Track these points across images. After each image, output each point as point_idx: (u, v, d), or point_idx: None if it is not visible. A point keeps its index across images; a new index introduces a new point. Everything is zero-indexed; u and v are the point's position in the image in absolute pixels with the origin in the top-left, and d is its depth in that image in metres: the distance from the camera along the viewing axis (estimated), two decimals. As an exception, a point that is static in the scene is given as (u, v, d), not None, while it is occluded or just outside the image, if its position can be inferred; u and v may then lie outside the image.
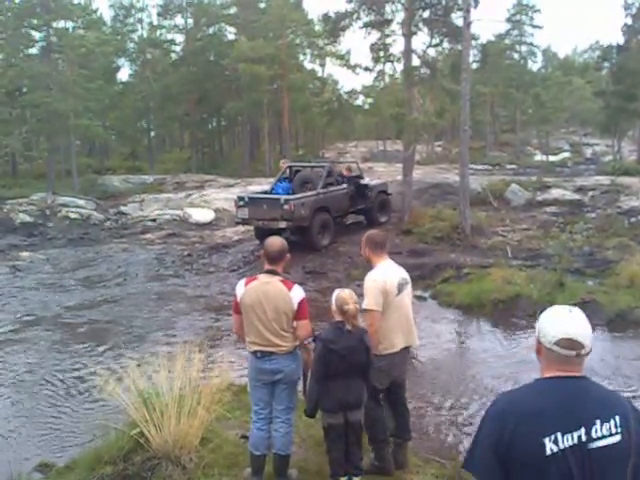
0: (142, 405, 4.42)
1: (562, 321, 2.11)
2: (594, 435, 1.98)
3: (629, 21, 37.66)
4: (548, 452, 1.96)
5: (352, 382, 4.03)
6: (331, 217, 14.33)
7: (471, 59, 18.78)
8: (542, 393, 2.08)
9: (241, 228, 16.29)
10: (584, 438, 1.97)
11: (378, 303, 4.27)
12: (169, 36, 44.89)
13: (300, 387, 4.44)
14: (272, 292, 4.07)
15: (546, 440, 1.96)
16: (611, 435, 1.98)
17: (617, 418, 2.01)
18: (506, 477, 2.02)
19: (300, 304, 4.11)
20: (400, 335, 4.45)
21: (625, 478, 1.97)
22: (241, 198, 14.30)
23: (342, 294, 4.04)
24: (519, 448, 1.98)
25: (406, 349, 4.58)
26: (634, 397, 6.54)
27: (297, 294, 4.10)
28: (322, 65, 49.18)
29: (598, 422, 1.99)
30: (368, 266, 4.59)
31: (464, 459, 2.22)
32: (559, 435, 1.97)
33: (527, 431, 1.99)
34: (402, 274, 4.54)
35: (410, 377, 7.22)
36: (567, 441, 1.97)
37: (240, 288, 4.22)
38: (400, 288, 4.41)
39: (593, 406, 2.03)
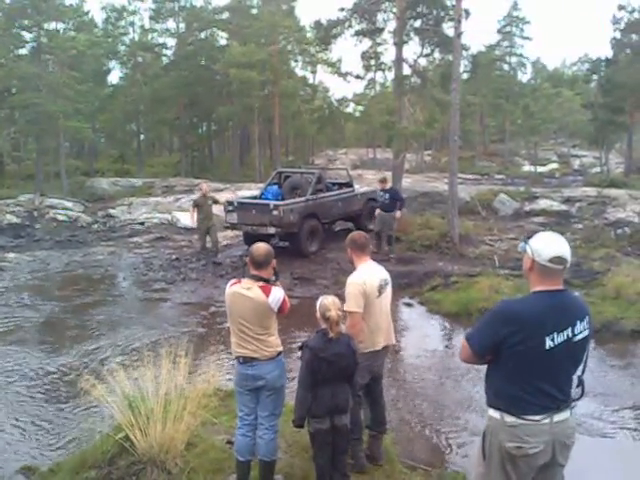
0: (127, 409, 4.40)
1: (554, 243, 2.85)
2: (576, 332, 2.83)
3: (618, 35, 38.12)
4: (547, 347, 2.76)
5: (339, 387, 4.04)
6: (320, 224, 14.34)
7: (461, 69, 18.89)
8: (539, 303, 2.81)
9: (230, 233, 16.26)
10: (570, 335, 2.81)
11: (359, 305, 4.38)
12: (160, 40, 44.84)
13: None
14: (250, 298, 4.07)
15: (546, 338, 2.75)
16: (584, 330, 2.87)
17: (586, 318, 2.89)
18: (513, 366, 2.79)
19: (280, 307, 4.12)
20: (381, 335, 4.59)
21: (586, 360, 2.93)
22: (230, 203, 14.28)
23: (325, 301, 4.05)
24: (526, 344, 2.74)
25: (385, 347, 4.70)
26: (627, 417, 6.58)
27: (275, 299, 4.08)
28: (313, 72, 49.36)
29: (578, 322, 2.84)
30: (353, 269, 4.64)
31: (468, 332, 3.03)
32: (555, 334, 2.77)
33: (532, 332, 2.74)
34: (382, 275, 4.63)
35: (395, 385, 7.25)
36: (560, 338, 2.78)
37: (227, 289, 4.24)
38: (380, 290, 4.53)
39: (574, 311, 2.87)
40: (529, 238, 2.98)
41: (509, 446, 2.84)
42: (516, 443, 2.82)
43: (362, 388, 4.56)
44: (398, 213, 13.55)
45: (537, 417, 2.81)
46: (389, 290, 4.68)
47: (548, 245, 2.86)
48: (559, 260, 2.82)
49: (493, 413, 2.92)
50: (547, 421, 2.82)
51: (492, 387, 2.97)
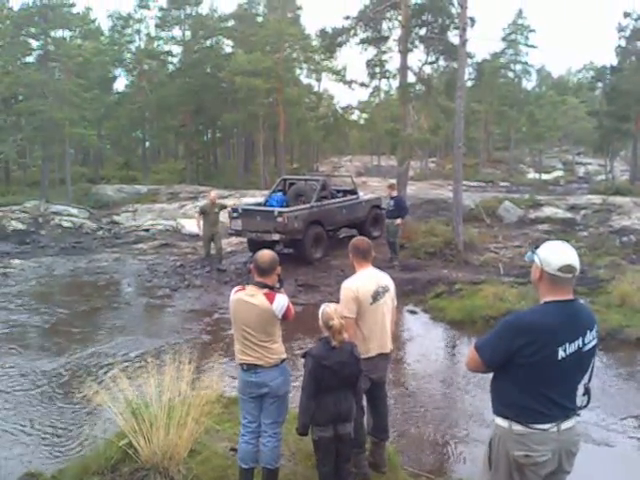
0: (131, 416, 4.39)
1: (562, 252, 2.83)
2: (586, 341, 2.83)
3: (623, 43, 38.14)
4: (559, 358, 2.76)
5: (342, 395, 4.02)
6: (324, 230, 14.34)
7: (466, 77, 18.90)
8: (552, 314, 2.80)
9: (234, 240, 16.28)
10: (581, 345, 2.81)
11: (351, 310, 4.37)
12: (166, 47, 45.02)
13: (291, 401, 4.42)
14: (254, 305, 4.06)
15: (559, 349, 2.75)
16: (593, 339, 2.87)
17: (594, 327, 2.90)
18: (524, 376, 2.78)
19: (284, 314, 4.11)
20: (374, 342, 4.53)
21: (592, 368, 2.94)
22: (235, 209, 14.29)
23: (327, 309, 4.03)
24: (539, 355, 2.73)
25: (383, 354, 4.63)
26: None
27: (279, 306, 4.07)
28: (318, 80, 49.49)
29: (588, 332, 2.85)
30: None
31: (478, 341, 2.98)
32: (567, 345, 2.77)
33: (546, 343, 2.74)
34: (382, 282, 4.59)
35: (399, 393, 7.23)
36: (571, 348, 2.78)
37: (231, 296, 4.24)
38: (376, 297, 4.48)
39: (584, 321, 2.87)
40: (536, 248, 2.94)
41: (517, 455, 2.82)
42: (524, 452, 2.81)
43: (364, 395, 4.55)
44: (398, 220, 13.56)
45: (546, 426, 2.80)
46: (389, 298, 4.62)
47: (557, 254, 2.84)
48: (568, 268, 2.80)
49: (501, 422, 2.90)
50: (555, 430, 2.81)
51: (500, 396, 2.95)
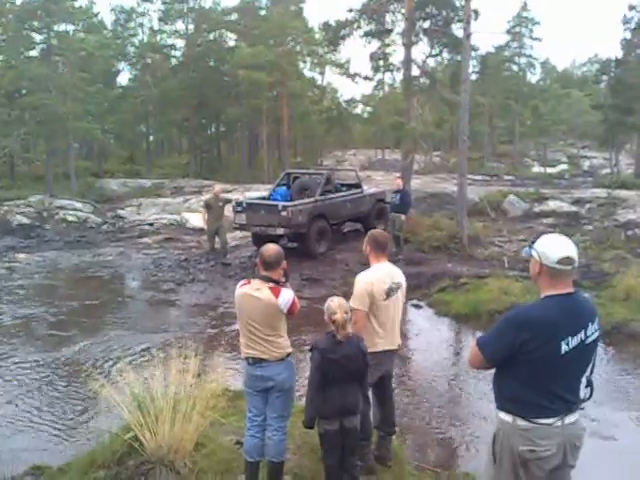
0: (137, 409, 4.39)
1: (559, 244, 2.82)
2: (588, 334, 2.81)
3: (628, 35, 37.96)
4: (562, 352, 2.73)
5: (349, 388, 4.01)
6: (328, 224, 14.33)
7: (470, 70, 18.83)
8: (553, 308, 2.77)
9: (238, 234, 16.27)
10: (583, 337, 2.79)
11: (363, 303, 4.35)
12: (169, 41, 45.03)
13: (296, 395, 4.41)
14: (259, 299, 4.05)
15: (562, 343, 2.73)
16: (595, 332, 2.85)
17: (596, 320, 2.87)
18: (527, 370, 2.76)
19: (289, 309, 4.10)
20: (383, 337, 4.51)
21: (594, 360, 2.92)
22: (239, 203, 14.29)
23: (331, 304, 4.01)
24: (542, 350, 2.72)
25: (390, 350, 4.62)
26: None
27: (284, 300, 4.05)
28: (322, 73, 49.53)
29: (590, 324, 2.82)
30: (365, 267, 4.60)
31: (480, 338, 2.98)
32: (570, 338, 2.74)
33: (548, 338, 2.72)
34: (395, 278, 4.55)
35: (403, 388, 7.23)
36: (574, 342, 2.75)
37: (236, 290, 4.23)
38: (389, 293, 4.45)
39: (586, 314, 2.85)
40: (533, 242, 2.92)
41: (522, 450, 2.81)
42: (529, 447, 2.79)
43: (370, 388, 4.54)
44: (403, 216, 13.66)
45: (550, 420, 2.78)
46: (400, 294, 4.59)
47: (555, 247, 2.82)
48: (568, 260, 2.78)
49: (504, 416, 2.88)
50: (559, 424, 2.79)
51: (503, 391, 2.93)
